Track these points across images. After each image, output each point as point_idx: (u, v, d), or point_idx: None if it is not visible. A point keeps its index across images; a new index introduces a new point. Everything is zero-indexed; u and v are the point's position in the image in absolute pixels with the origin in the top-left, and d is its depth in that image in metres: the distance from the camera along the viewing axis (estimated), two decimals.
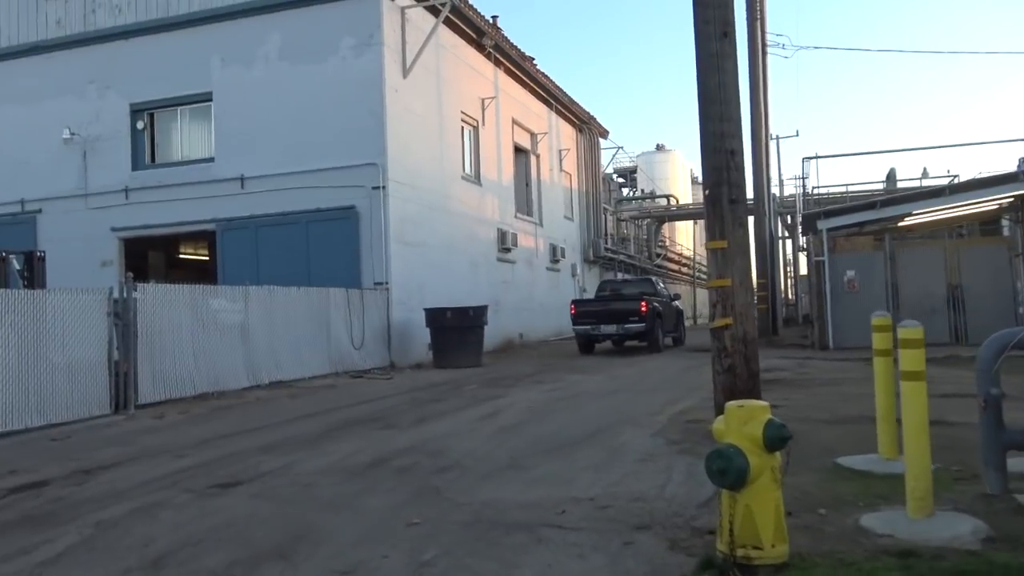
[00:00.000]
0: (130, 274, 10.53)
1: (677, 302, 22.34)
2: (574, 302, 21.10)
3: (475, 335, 16.30)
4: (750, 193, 17.18)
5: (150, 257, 22.95)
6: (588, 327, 19.27)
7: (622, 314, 18.85)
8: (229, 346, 12.11)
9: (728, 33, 6.69)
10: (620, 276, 31.35)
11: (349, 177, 16.44)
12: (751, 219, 16.97)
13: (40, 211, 19.10)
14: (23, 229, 18.95)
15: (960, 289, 17.63)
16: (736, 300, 6.56)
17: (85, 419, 9.44)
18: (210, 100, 17.89)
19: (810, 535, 4.00)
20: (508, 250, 22.72)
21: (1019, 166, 21.98)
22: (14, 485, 6.21)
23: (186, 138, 18.70)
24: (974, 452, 5.03)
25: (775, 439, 3.39)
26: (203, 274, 18.14)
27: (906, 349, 4.05)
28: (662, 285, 22.70)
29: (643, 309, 18.68)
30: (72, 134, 18.64)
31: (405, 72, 17.32)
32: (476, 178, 21.32)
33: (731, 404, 3.52)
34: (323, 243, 16.54)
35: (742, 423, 3.44)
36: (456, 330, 15.94)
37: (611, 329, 18.89)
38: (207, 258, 18.65)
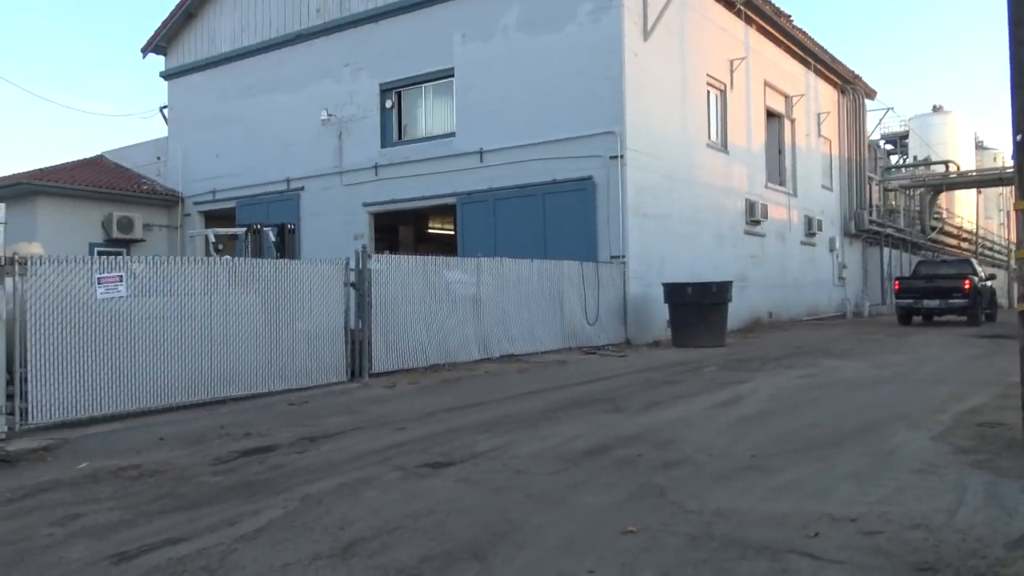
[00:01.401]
0: (364, 244, 10.69)
1: (991, 282, 23.64)
2: (898, 279, 23.37)
3: (718, 313, 15.11)
4: None
5: (400, 231, 24.07)
6: (911, 301, 21.23)
7: (946, 291, 20.63)
8: (461, 318, 12.03)
9: None
10: (937, 257, 33.24)
11: (586, 147, 15.88)
12: None
13: (303, 188, 20.52)
14: (289, 205, 20.52)
15: None
16: None
17: (323, 385, 9.70)
18: (452, 76, 18.11)
19: None
20: (757, 222, 21.04)
21: None
22: (244, 448, 6.30)
23: (430, 115, 19.12)
24: None
25: None
26: (449, 248, 18.53)
27: None
28: (978, 266, 24.19)
29: (966, 286, 20.59)
30: (329, 115, 19.78)
31: (646, 35, 16.37)
32: (723, 146, 19.88)
33: None
34: (559, 215, 16.16)
35: None
36: (697, 307, 14.86)
37: (934, 303, 20.76)
38: (452, 232, 19.04)
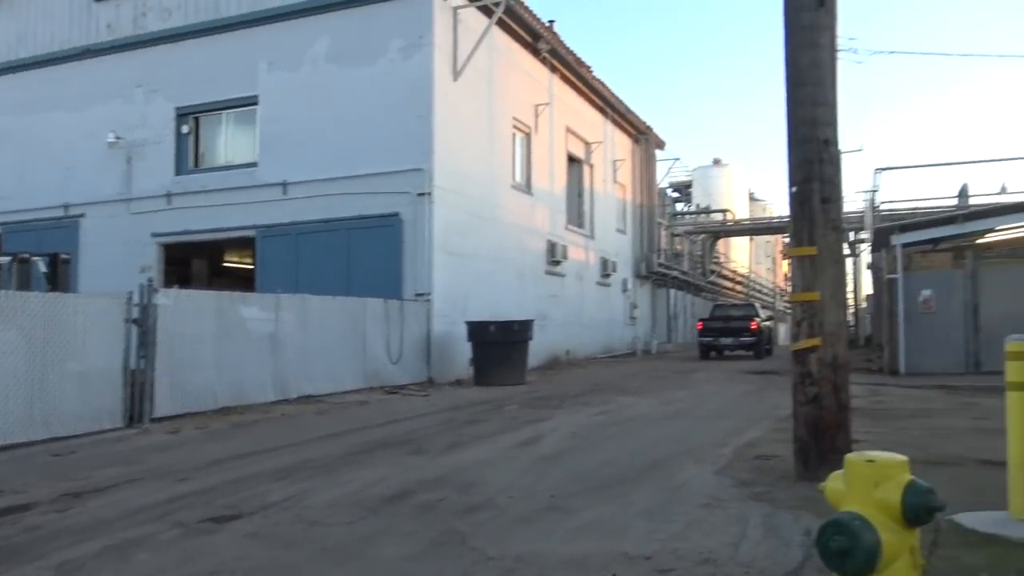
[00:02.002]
0: (151, 277, 9.89)
1: (769, 322, 27.84)
2: (700, 320, 27.16)
3: (519, 351, 15.40)
4: None
5: (193, 264, 22.61)
6: (711, 339, 25.25)
7: (738, 330, 24.74)
8: (257, 357, 11.40)
9: (825, 2, 5.69)
10: (728, 301, 37.42)
11: (394, 183, 15.75)
12: None
13: (83, 215, 18.85)
14: (66, 233, 18.72)
15: None
16: (826, 318, 5.53)
17: (95, 432, 8.75)
18: (256, 104, 17.44)
19: None
20: (557, 263, 21.80)
21: None
22: None
23: (231, 142, 18.27)
24: None
25: (920, 509, 2.42)
26: (247, 282, 17.64)
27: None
28: (760, 309, 28.38)
29: (753, 327, 24.72)
30: (117, 138, 18.37)
31: (455, 75, 16.60)
32: (527, 187, 20.48)
33: (855, 457, 2.55)
34: (365, 251, 15.86)
35: (872, 484, 2.47)
36: (499, 345, 15.05)
37: (728, 340, 24.81)
38: (251, 266, 18.15)
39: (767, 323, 27.25)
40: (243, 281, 18.42)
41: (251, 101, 17.48)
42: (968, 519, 4.50)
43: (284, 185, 16.72)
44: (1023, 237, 19.06)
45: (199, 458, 7.41)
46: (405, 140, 15.76)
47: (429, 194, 15.55)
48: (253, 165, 17.34)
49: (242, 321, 11.28)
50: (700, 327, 26.36)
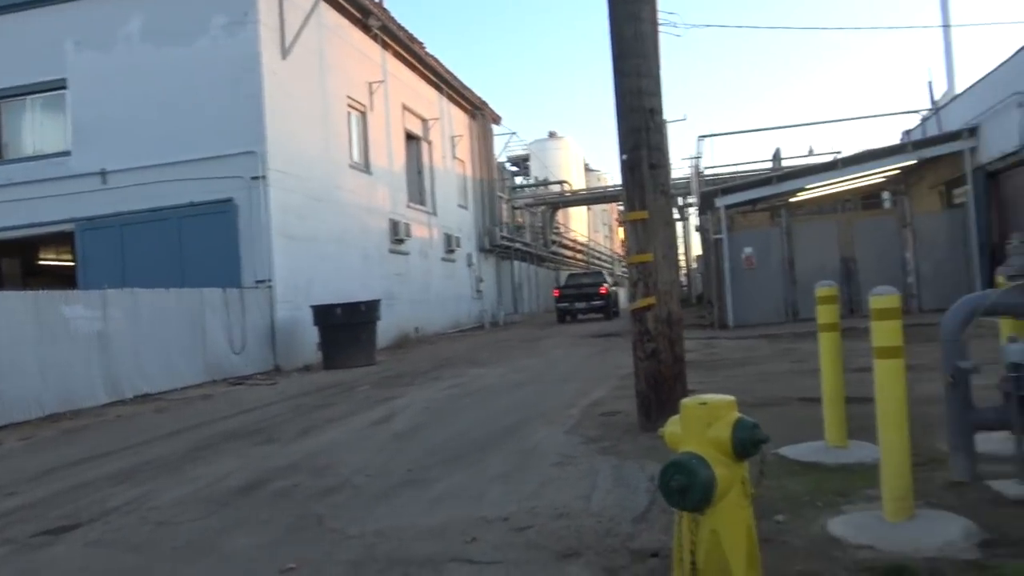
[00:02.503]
0: None
1: (615, 288, 30.81)
2: (557, 288, 30.88)
3: (367, 332, 15.25)
4: None
5: (4, 264, 20.74)
6: (567, 304, 28.20)
7: (590, 296, 28.05)
8: (84, 358, 10.66)
9: None
10: (580, 271, 41.00)
11: (225, 167, 15.06)
12: None
13: None
14: None
15: (853, 261, 17.74)
16: (659, 277, 5.85)
17: None
18: (64, 88, 16.12)
19: (775, 552, 3.29)
20: (401, 241, 21.67)
21: (902, 138, 22.51)
22: None
23: (38, 131, 16.83)
24: (920, 431, 4.49)
25: (747, 443, 2.63)
26: (68, 280, 16.37)
27: (883, 320, 3.38)
28: (608, 276, 31.79)
29: (603, 291, 27.95)
30: None
31: (284, 53, 16.01)
32: (365, 166, 20.16)
33: (689, 401, 2.74)
34: (198, 240, 15.10)
35: (704, 425, 2.66)
36: (347, 327, 14.83)
37: (582, 305, 27.90)
38: (72, 263, 16.84)
39: (614, 288, 30.02)
40: (63, 280, 17.07)
41: (59, 85, 16.14)
42: (791, 451, 4.94)
43: (103, 174, 15.62)
44: (828, 195, 20.78)
45: (25, 470, 6.88)
46: (235, 122, 15.09)
47: (264, 177, 15.00)
48: (66, 154, 16.07)
49: (65, 321, 10.50)
50: (557, 294, 29.42)
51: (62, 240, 17.75)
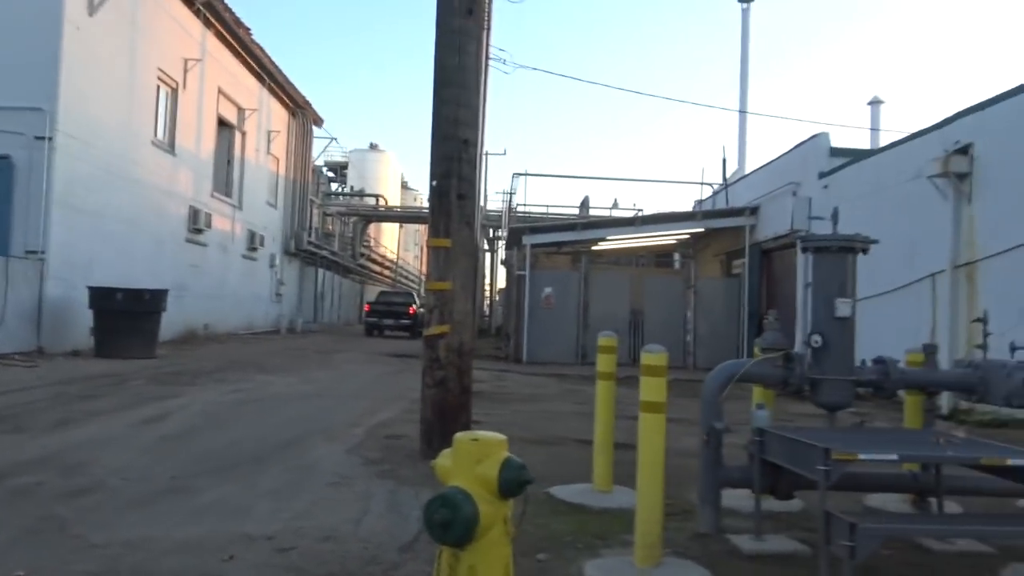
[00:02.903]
0: None
1: (423, 309, 32.58)
2: (369, 303, 32.63)
3: (150, 322, 14.28)
4: None
5: None
6: (376, 319, 29.90)
7: (399, 314, 29.86)
8: None
9: (473, 11, 6.10)
10: (392, 290, 41.76)
11: (5, 121, 13.59)
12: None
13: None
14: None
15: (641, 314, 18.95)
16: (456, 306, 5.96)
17: None
18: None
19: None
20: (200, 231, 20.54)
21: (694, 207, 24.44)
22: None
23: None
24: (677, 483, 4.90)
25: (513, 483, 2.75)
26: None
27: (650, 377, 3.67)
28: (417, 297, 32.76)
29: (411, 311, 29.54)
30: None
31: (92, 9, 14.79)
32: (170, 146, 18.97)
33: (462, 436, 2.82)
34: None
35: (474, 461, 2.75)
36: (127, 315, 13.80)
37: (390, 322, 29.59)
38: None
39: (422, 309, 30.06)
40: None
41: None
42: (560, 491, 5.19)
43: None
44: (626, 248, 22.10)
45: None
46: (22, 72, 13.68)
47: (51, 139, 13.71)
48: None
49: None
50: (367, 309, 31.40)
51: None
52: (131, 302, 13.86)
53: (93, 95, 14.99)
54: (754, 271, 18.28)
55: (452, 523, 2.64)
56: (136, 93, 17.00)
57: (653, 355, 3.70)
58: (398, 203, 53.47)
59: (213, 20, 20.76)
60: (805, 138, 16.56)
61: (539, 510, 4.77)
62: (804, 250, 4.59)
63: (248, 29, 22.82)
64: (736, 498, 4.68)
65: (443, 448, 5.60)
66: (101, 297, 13.79)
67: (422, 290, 58.88)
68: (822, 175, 15.26)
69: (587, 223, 20.28)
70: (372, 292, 48.27)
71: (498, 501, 2.76)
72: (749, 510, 4.46)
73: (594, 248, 21.47)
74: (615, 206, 37.04)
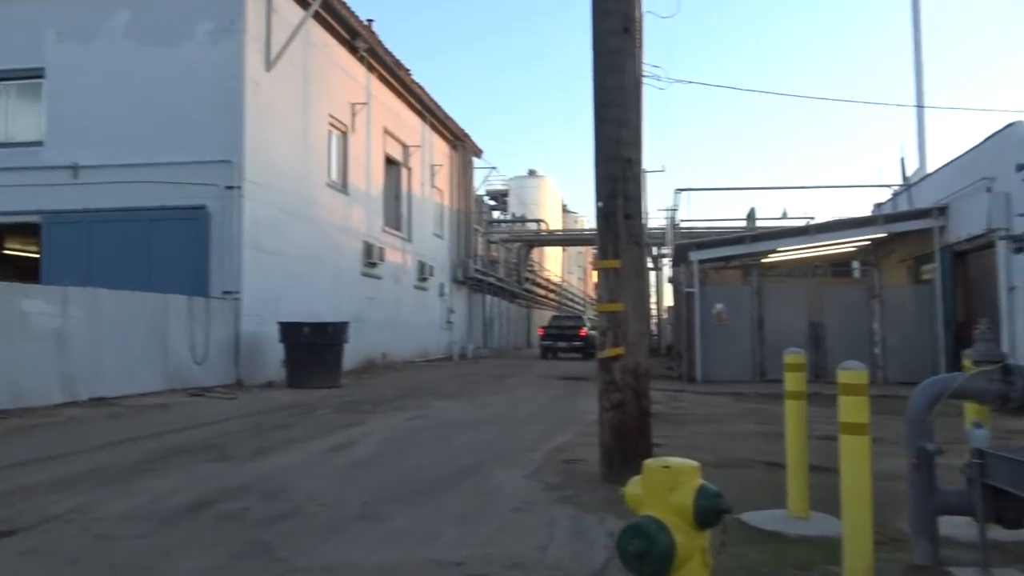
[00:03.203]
0: None
1: (593, 331, 31.92)
2: (542, 327, 34.31)
3: (334, 353, 15.08)
4: None
5: None
6: (550, 342, 31.71)
7: (571, 337, 31.34)
8: (40, 355, 10.41)
9: (629, 29, 6.03)
10: (563, 314, 43.90)
11: (200, 174, 14.93)
12: None
13: None
14: None
15: (821, 327, 17.94)
16: (629, 328, 5.84)
17: None
18: (42, 77, 15.94)
19: None
20: (374, 264, 21.57)
21: (873, 211, 22.97)
22: None
23: (12, 118, 16.58)
24: (883, 509, 4.50)
25: (709, 513, 2.60)
26: (31, 273, 16.04)
27: (850, 396, 3.39)
28: (587, 320, 34.17)
29: (583, 334, 30.86)
30: None
31: (269, 65, 16.00)
32: (343, 186, 20.10)
33: (653, 463, 2.70)
34: (168, 245, 14.92)
35: (667, 489, 2.62)
36: (313, 347, 14.66)
37: (563, 344, 31.07)
38: (37, 255, 16.52)
39: (592, 331, 31.94)
40: (27, 272, 16.72)
41: (36, 73, 15.98)
42: (752, 518, 4.91)
43: (75, 168, 15.42)
44: (799, 259, 21.07)
45: None
46: (214, 130, 15.00)
47: (239, 187, 14.90)
48: (38, 144, 15.86)
49: (23, 315, 10.26)
50: (542, 333, 33.40)
51: (28, 231, 17.41)
52: (316, 335, 14.69)
53: (273, 144, 16.14)
54: (947, 276, 16.88)
55: (648, 555, 2.52)
56: (310, 139, 18.15)
57: (852, 372, 3.42)
58: (559, 227, 53.91)
59: (376, 64, 21.88)
60: (997, 128, 15.17)
61: (732, 538, 4.52)
62: (1019, 250, 4.13)
63: (408, 70, 23.88)
64: (953, 526, 4.24)
65: (624, 472, 5.46)
66: (290, 331, 14.72)
67: (588, 312, 58.96)
68: (1021, 167, 13.89)
69: (756, 235, 19.52)
70: (538, 316, 48.93)
71: (695, 531, 2.62)
72: (969, 539, 4.03)
73: (764, 260, 20.62)
74: (784, 216, 35.53)
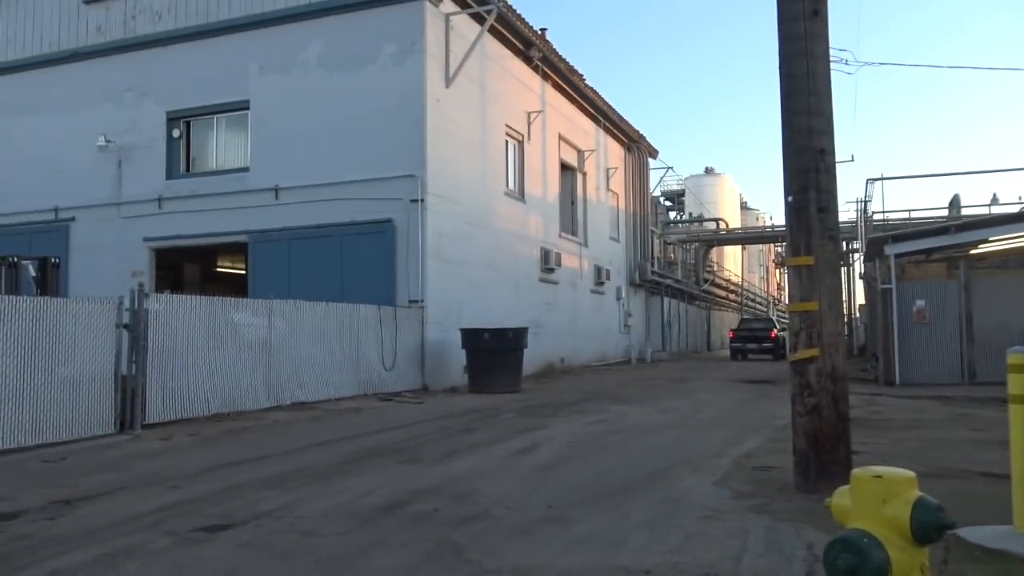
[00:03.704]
0: (142, 282, 9.82)
1: (784, 332, 31.51)
2: (732, 330, 34.20)
3: (514, 359, 15.33)
4: None
5: (185, 269, 22.52)
6: (740, 344, 31.72)
7: (761, 339, 31.39)
8: (249, 363, 11.31)
9: (819, 11, 5.67)
10: (752, 316, 44.34)
11: (386, 189, 15.70)
12: None
13: (73, 219, 18.74)
14: (56, 237, 18.61)
15: None
16: (824, 327, 5.49)
17: (86, 438, 8.68)
18: (247, 108, 17.38)
19: None
20: (551, 270, 21.76)
21: None
22: None
23: (222, 147, 18.19)
24: None
25: (929, 527, 2.37)
26: (239, 288, 17.55)
27: None
28: (776, 321, 35.64)
29: (773, 335, 31.15)
30: (108, 142, 18.27)
31: (448, 82, 16.57)
32: (520, 194, 20.45)
33: (863, 473, 2.50)
34: (357, 258, 15.80)
35: (879, 501, 2.42)
36: (494, 353, 14.99)
37: (753, 346, 31.12)
38: (244, 271, 18.08)
39: (783, 333, 31.41)
40: (236, 287, 18.31)
41: (243, 105, 17.41)
42: (972, 534, 4.45)
43: (276, 190, 16.66)
44: (1015, 248, 19.12)
45: (190, 465, 7.32)
46: (397, 146, 15.72)
47: (422, 201, 15.50)
48: (245, 170, 17.28)
49: (234, 327, 11.20)
50: (732, 335, 33.50)
51: (237, 250, 19.05)
52: (497, 341, 15.00)
53: (453, 157, 16.68)
54: None
55: (859, 571, 2.33)
56: (488, 149, 18.60)
57: None
58: (738, 225, 52.13)
59: (550, 72, 22.10)
60: None
61: (950, 555, 4.14)
62: None
63: (581, 75, 23.94)
64: None
65: (820, 481, 5.15)
66: (471, 338, 15.12)
67: (770, 312, 56.55)
68: None
69: (961, 224, 17.90)
70: (718, 317, 47.56)
71: (912, 548, 2.40)
72: None
73: (973, 252, 18.87)
74: (994, 201, 32.39)
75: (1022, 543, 4.23)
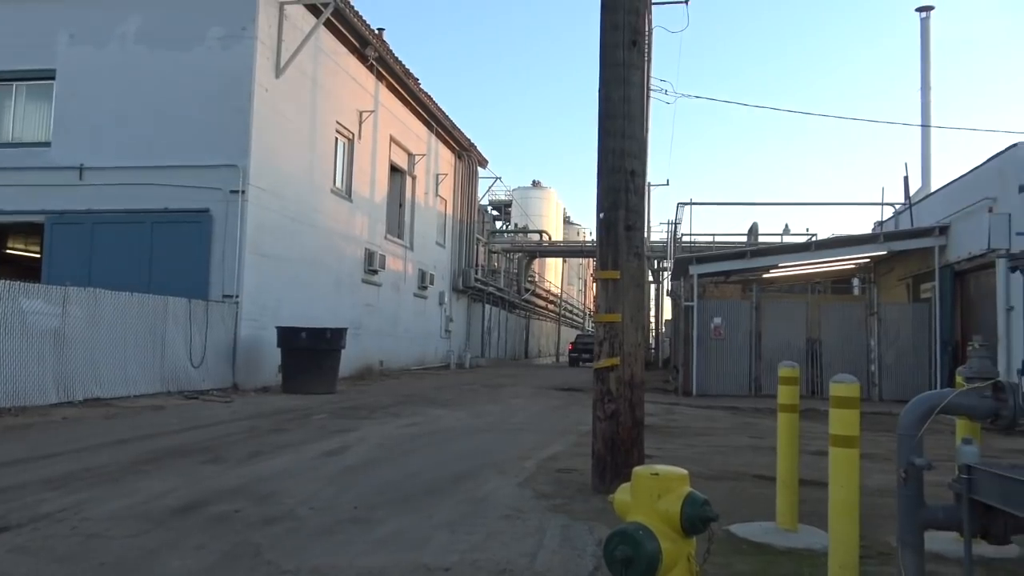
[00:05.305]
0: None
1: None
2: (572, 342, 42.96)
3: (331, 359, 15.07)
4: None
5: None
6: (577, 354, 38.78)
7: (592, 350, 33.22)
8: (36, 354, 10.41)
9: (637, 42, 6.05)
10: (588, 332, 47.54)
11: (205, 178, 14.99)
12: None
13: None
14: None
15: (819, 343, 17.95)
16: (626, 339, 5.85)
17: None
18: (52, 78, 16.03)
19: None
20: (375, 272, 21.59)
21: (874, 229, 23.00)
22: None
23: (19, 118, 16.67)
24: (870, 523, 4.51)
25: (696, 519, 2.61)
26: (33, 272, 16.08)
27: (841, 409, 3.40)
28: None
29: None
30: None
31: (278, 72, 16.08)
32: (347, 193, 20.15)
33: (642, 471, 2.72)
34: (170, 247, 14.95)
35: (655, 496, 2.64)
36: (310, 353, 14.66)
37: (587, 356, 33.58)
38: (39, 255, 16.56)
39: None
40: (29, 271, 16.78)
41: (48, 74, 16.07)
42: (741, 529, 4.91)
43: (80, 169, 15.48)
44: (799, 275, 21.10)
45: None
46: (220, 134, 15.06)
47: (243, 192, 14.93)
48: (46, 144, 15.94)
49: (22, 315, 10.28)
50: (571, 347, 40.99)
51: (31, 231, 17.50)
52: (314, 340, 14.69)
53: (279, 149, 16.19)
54: (946, 295, 16.88)
55: (634, 560, 2.53)
56: (317, 145, 18.21)
57: (844, 385, 3.43)
58: (561, 238, 53.95)
59: (385, 73, 21.97)
60: (999, 150, 15.20)
61: (720, 548, 4.51)
62: (1013, 269, 4.14)
63: (417, 79, 23.98)
64: (940, 541, 4.25)
65: (615, 482, 5.46)
66: (287, 336, 14.72)
67: (586, 324, 58.92)
68: (1023, 188, 13.92)
69: (757, 250, 19.53)
70: (537, 326, 49.09)
71: (681, 539, 2.63)
72: (955, 555, 4.04)
73: (765, 276, 20.65)
74: (786, 231, 35.54)
75: (783, 537, 4.71)
